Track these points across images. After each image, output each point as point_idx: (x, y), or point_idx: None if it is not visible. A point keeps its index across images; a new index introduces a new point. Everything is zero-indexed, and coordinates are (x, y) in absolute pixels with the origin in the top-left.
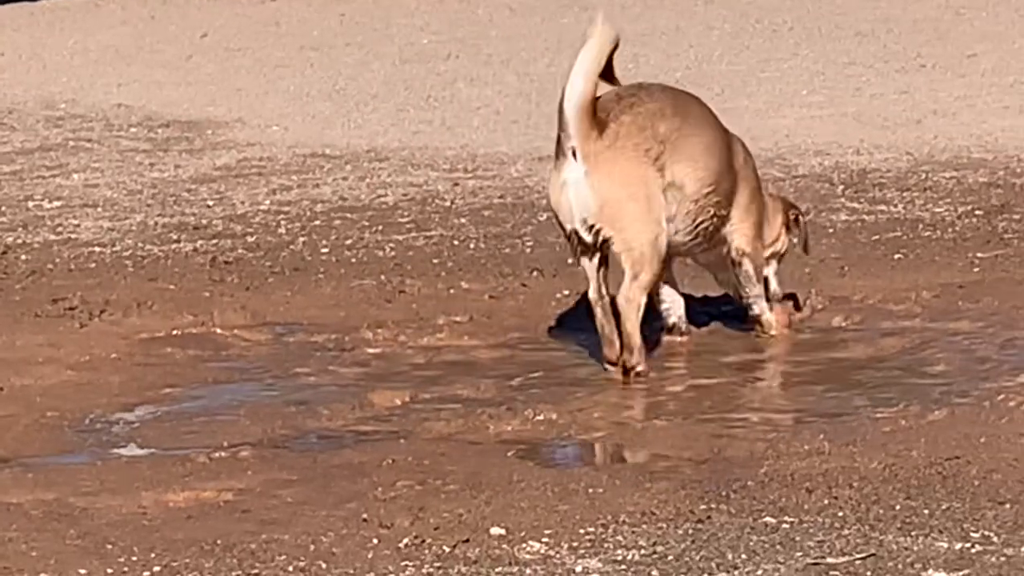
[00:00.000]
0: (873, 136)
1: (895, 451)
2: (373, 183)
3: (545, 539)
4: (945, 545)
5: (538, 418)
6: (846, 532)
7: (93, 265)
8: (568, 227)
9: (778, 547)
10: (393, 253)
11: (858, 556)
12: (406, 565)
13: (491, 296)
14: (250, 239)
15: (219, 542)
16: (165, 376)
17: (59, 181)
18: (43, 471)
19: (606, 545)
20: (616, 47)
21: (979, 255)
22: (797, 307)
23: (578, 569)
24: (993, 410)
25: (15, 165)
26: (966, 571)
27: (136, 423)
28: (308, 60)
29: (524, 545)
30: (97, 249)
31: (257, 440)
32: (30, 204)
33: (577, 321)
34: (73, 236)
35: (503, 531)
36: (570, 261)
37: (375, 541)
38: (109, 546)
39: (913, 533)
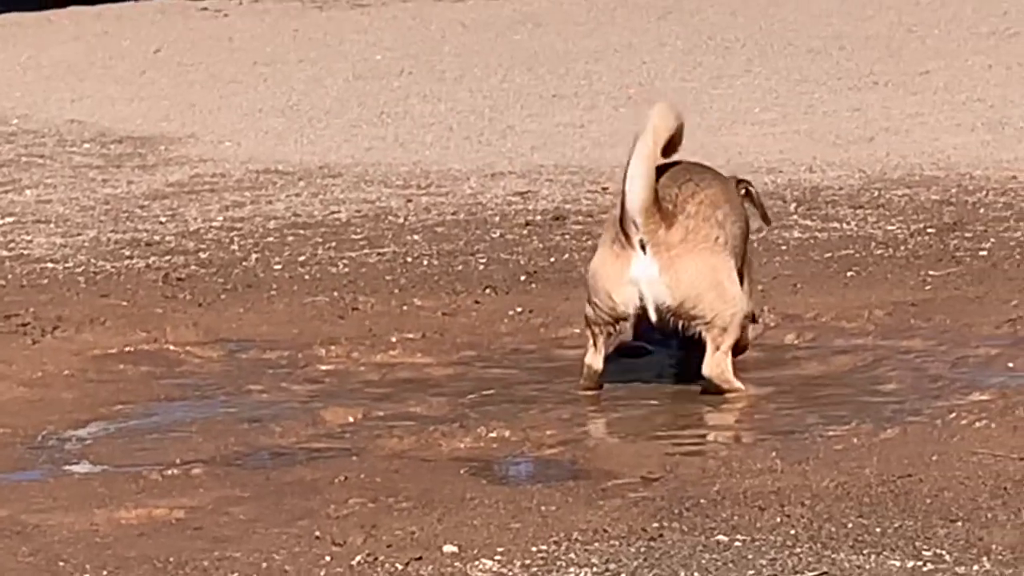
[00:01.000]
0: (826, 153)
1: (847, 469)
2: (326, 199)
3: (498, 557)
4: (897, 563)
5: (491, 435)
6: (798, 550)
7: (45, 281)
8: (627, 310)
9: (730, 565)
10: (346, 270)
11: (810, 574)
12: None
13: (444, 313)
14: (203, 255)
15: (171, 559)
16: (117, 393)
17: (11, 197)
18: None
19: (559, 563)
20: (679, 131)
21: (931, 273)
22: None
23: None
24: (945, 428)
25: None
26: None
27: (88, 440)
28: (261, 76)
29: (477, 563)
30: (50, 265)
31: (210, 457)
32: None
33: (530, 338)
34: (25, 252)
35: (456, 549)
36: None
37: (328, 559)
38: (61, 563)
39: (865, 551)
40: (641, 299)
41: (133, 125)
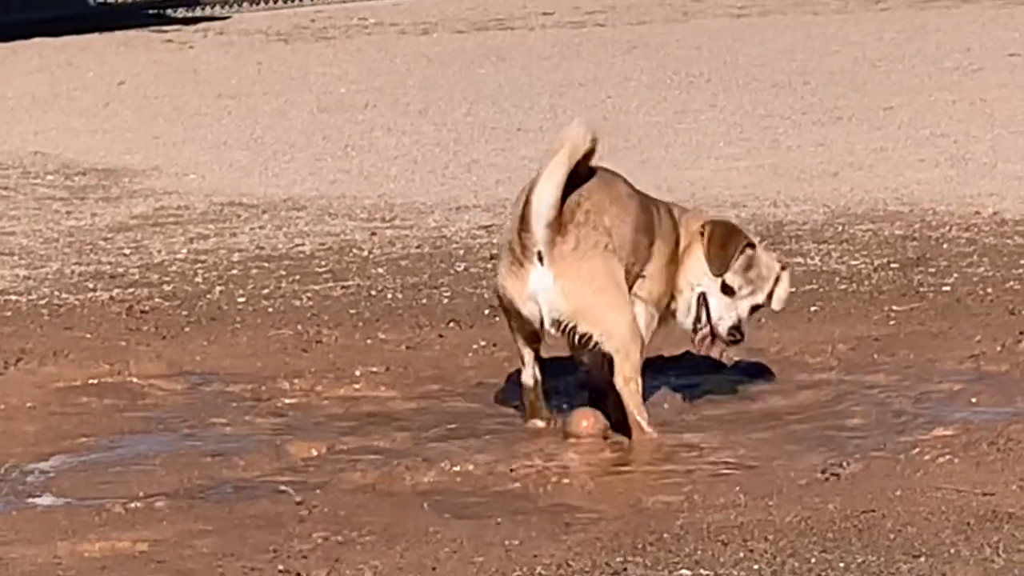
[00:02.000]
0: (790, 188)
1: (811, 504)
2: (290, 232)
3: None
4: None
5: (455, 469)
6: None
7: (9, 313)
8: (532, 326)
9: None
10: (310, 303)
11: None
12: None
13: (408, 347)
14: (167, 288)
15: None
16: (81, 425)
17: None
18: None
19: None
20: (594, 148)
21: (895, 308)
22: None
23: None
24: (908, 464)
25: None
26: None
27: (52, 472)
28: (226, 108)
29: None
30: (13, 297)
31: (173, 490)
32: None
33: (494, 372)
34: None
35: None
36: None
37: None
38: None
39: None
40: (541, 312)
41: (97, 157)
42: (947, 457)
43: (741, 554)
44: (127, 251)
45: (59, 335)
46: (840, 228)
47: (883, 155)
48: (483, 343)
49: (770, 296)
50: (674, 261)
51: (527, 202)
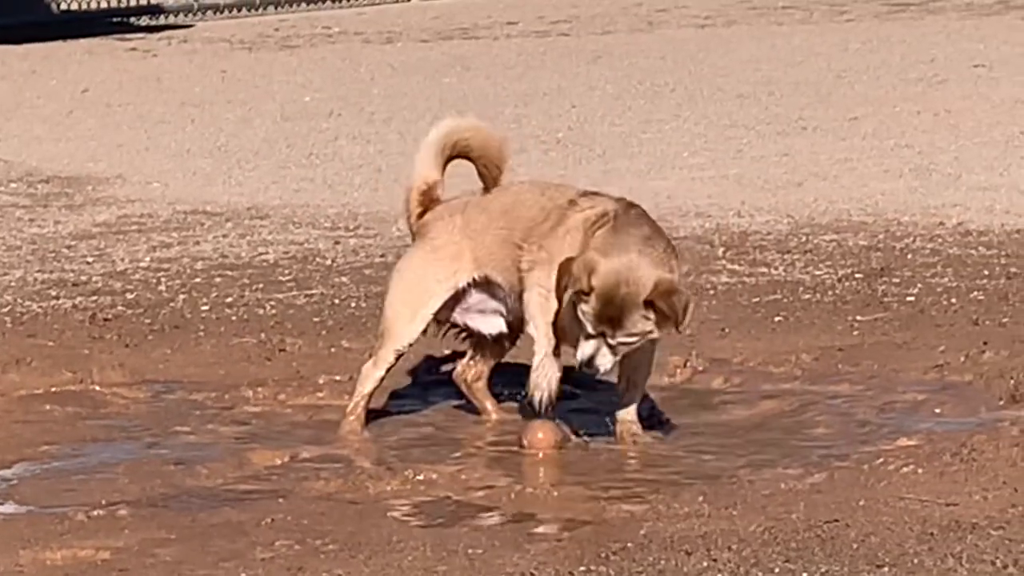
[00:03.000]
0: (754, 198)
1: (774, 514)
2: (254, 241)
3: None
4: None
5: (418, 478)
6: None
7: None
8: None
9: None
10: (274, 311)
11: None
12: None
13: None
14: (130, 296)
15: None
16: (43, 433)
17: None
18: None
19: None
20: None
21: (859, 318)
22: None
23: None
24: (872, 473)
25: None
26: None
27: (14, 480)
28: (189, 117)
29: None
30: None
31: (136, 498)
32: None
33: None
34: None
35: None
36: None
37: None
38: None
39: None
40: None
41: (60, 165)
42: (911, 467)
43: (705, 564)
44: (90, 259)
45: (22, 343)
46: (804, 238)
47: (847, 166)
48: (447, 352)
49: None
50: None
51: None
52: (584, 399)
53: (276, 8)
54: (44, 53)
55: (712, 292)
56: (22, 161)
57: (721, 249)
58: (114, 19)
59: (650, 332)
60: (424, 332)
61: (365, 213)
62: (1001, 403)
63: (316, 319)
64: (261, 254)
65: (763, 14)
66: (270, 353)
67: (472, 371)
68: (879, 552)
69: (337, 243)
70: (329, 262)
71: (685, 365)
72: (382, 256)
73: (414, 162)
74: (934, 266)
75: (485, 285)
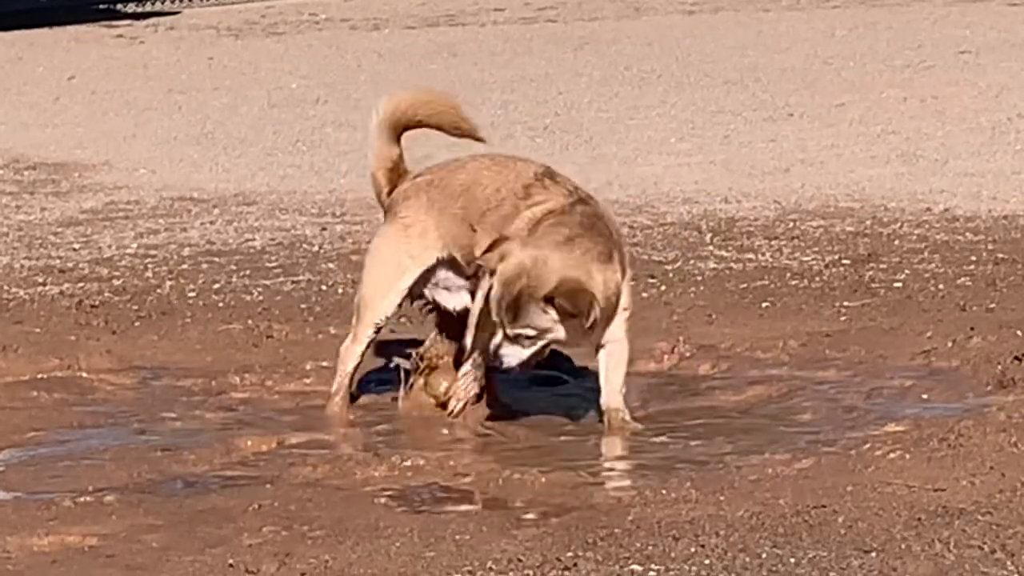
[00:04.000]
0: (741, 184)
1: (762, 499)
2: (241, 227)
3: None
4: None
5: (405, 464)
6: None
7: None
8: None
9: None
10: (261, 298)
11: None
12: None
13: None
14: (116, 282)
15: None
16: (30, 420)
17: None
18: None
19: None
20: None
21: (846, 304)
22: None
23: None
24: (859, 459)
25: None
26: None
27: (1, 467)
28: (176, 103)
29: None
30: None
31: (123, 485)
32: None
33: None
34: None
35: None
36: None
37: None
38: None
39: None
40: None
41: (47, 152)
42: (898, 453)
43: (692, 549)
44: (77, 246)
45: (8, 329)
46: (791, 224)
47: (834, 152)
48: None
49: None
50: None
51: None
52: (573, 385)
53: None
54: (31, 40)
55: (699, 278)
56: (9, 148)
57: (708, 235)
58: (101, 6)
59: (549, 330)
60: (399, 306)
61: (352, 199)
62: (988, 389)
63: (303, 305)
64: (248, 241)
65: (750, 0)
66: (257, 339)
67: (435, 349)
68: (867, 537)
69: (324, 229)
70: (316, 248)
71: (672, 351)
72: (369, 242)
73: (370, 147)
74: (921, 252)
75: (451, 263)
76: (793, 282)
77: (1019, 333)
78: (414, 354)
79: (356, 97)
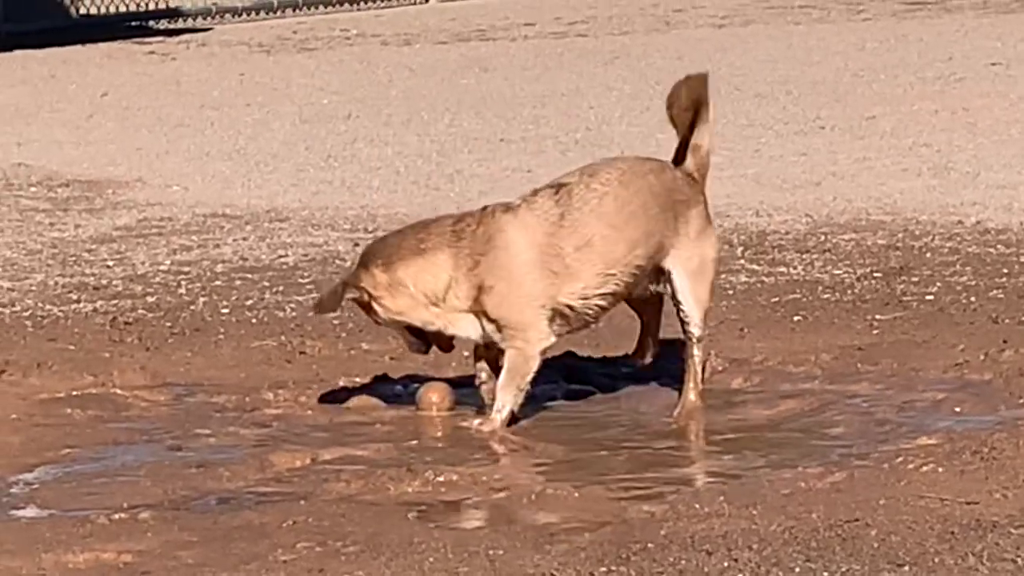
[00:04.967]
0: (772, 198)
1: (794, 513)
2: (273, 243)
3: None
4: None
5: (439, 479)
6: None
7: None
8: None
9: None
10: (293, 314)
11: None
12: None
13: (391, 357)
14: (150, 299)
15: None
16: (65, 437)
17: None
18: None
19: None
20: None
21: (878, 317)
22: None
23: None
24: (892, 472)
25: None
26: None
27: (36, 484)
28: (208, 120)
29: None
30: None
31: (157, 501)
32: None
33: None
34: None
35: None
36: None
37: None
38: None
39: None
40: None
41: (80, 169)
42: (931, 466)
43: (725, 563)
44: (110, 263)
45: (43, 347)
46: (823, 238)
47: (866, 165)
48: (466, 353)
49: None
50: None
51: None
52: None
53: (294, 11)
54: (63, 57)
55: (731, 292)
56: (42, 165)
57: (740, 249)
58: (133, 23)
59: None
60: None
61: (384, 215)
62: (1021, 401)
63: (336, 321)
64: (280, 256)
65: (780, 13)
66: (290, 355)
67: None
68: (900, 551)
69: (356, 245)
70: (348, 264)
71: (704, 365)
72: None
73: None
74: (953, 264)
75: None
76: (825, 295)
77: None
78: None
79: (387, 112)
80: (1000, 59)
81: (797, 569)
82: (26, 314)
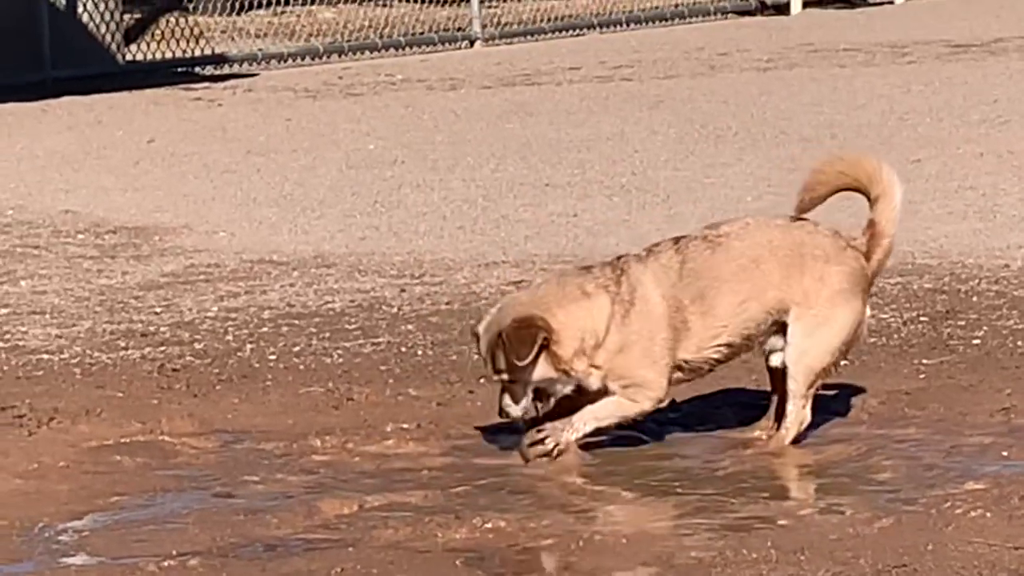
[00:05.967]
0: None
1: (842, 559)
2: (320, 289)
3: None
4: None
5: (486, 526)
6: None
7: (41, 372)
8: None
9: None
10: (341, 360)
11: None
12: None
13: (439, 403)
14: (198, 346)
15: None
16: (113, 484)
17: (6, 288)
18: None
19: None
20: None
21: (925, 361)
22: None
23: None
24: (940, 518)
25: None
26: None
27: (85, 532)
28: (255, 165)
29: None
30: (45, 356)
31: (206, 548)
32: None
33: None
34: (21, 343)
35: None
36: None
37: None
38: None
39: None
40: None
41: (127, 215)
42: (979, 511)
43: None
44: (158, 309)
45: (91, 394)
46: None
47: (911, 208)
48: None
49: None
50: None
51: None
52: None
53: (340, 56)
54: (110, 103)
55: None
56: (90, 212)
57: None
58: (179, 69)
59: (524, 372)
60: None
61: (430, 260)
62: None
63: (383, 367)
64: (327, 303)
65: (825, 57)
66: (337, 402)
67: None
68: None
69: (403, 291)
70: (395, 310)
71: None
72: (448, 303)
73: None
74: (999, 308)
75: None
76: (871, 340)
77: None
78: None
79: (433, 158)
80: None
81: None
82: (74, 361)
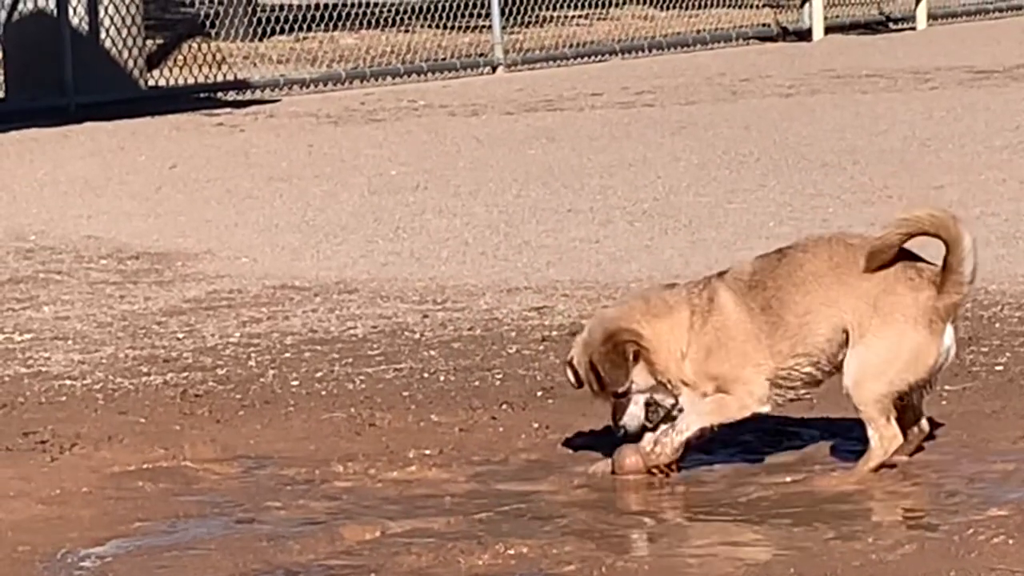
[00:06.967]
0: None
1: None
2: (342, 315)
3: None
4: None
5: (509, 552)
6: None
7: (63, 398)
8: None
9: None
10: (363, 386)
11: None
12: None
13: (461, 429)
14: (220, 372)
15: None
16: (136, 510)
17: (29, 314)
18: None
19: None
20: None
21: (947, 388)
22: None
23: None
24: (963, 544)
25: None
26: None
27: (108, 558)
28: (277, 191)
29: None
30: (67, 382)
31: (228, 574)
32: (0, 337)
33: (547, 454)
34: (43, 369)
35: None
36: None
37: None
38: None
39: None
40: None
41: (150, 241)
42: (1001, 538)
43: None
44: (180, 335)
45: (113, 420)
46: None
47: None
48: (536, 425)
49: None
50: None
51: (973, 264)
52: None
53: (362, 82)
54: (132, 129)
55: None
56: (112, 237)
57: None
58: (201, 95)
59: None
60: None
61: (453, 286)
62: None
63: (405, 393)
64: (350, 328)
65: (847, 83)
66: (360, 428)
67: None
68: None
69: (425, 317)
70: (417, 336)
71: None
72: (470, 329)
73: None
74: (1022, 335)
75: None
76: None
77: None
78: None
79: (456, 184)
80: None
81: None
82: (96, 387)
